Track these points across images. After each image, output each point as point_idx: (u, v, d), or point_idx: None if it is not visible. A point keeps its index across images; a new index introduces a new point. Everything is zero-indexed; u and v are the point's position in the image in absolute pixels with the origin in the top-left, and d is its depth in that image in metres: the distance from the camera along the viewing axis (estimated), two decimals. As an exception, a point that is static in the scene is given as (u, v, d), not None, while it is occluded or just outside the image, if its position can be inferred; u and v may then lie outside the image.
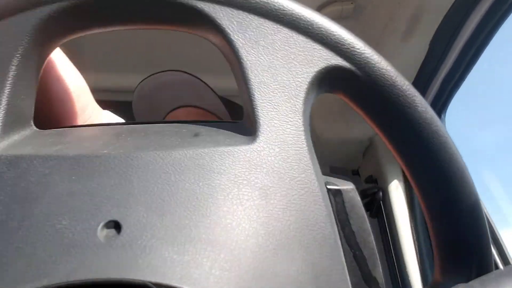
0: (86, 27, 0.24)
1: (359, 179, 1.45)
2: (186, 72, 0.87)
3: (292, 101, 0.22)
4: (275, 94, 0.22)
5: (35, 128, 0.24)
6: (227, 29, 0.22)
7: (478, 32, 0.84)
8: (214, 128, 0.23)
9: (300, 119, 0.22)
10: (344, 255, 0.22)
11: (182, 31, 0.25)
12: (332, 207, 0.23)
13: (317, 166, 0.22)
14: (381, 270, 0.24)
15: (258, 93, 0.22)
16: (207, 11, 0.22)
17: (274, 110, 0.21)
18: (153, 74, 0.87)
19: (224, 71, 0.25)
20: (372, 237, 0.24)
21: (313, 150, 0.22)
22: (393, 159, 0.26)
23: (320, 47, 0.23)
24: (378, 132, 0.25)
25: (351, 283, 0.22)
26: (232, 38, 0.22)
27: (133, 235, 0.17)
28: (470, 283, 0.22)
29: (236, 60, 0.22)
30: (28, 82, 0.23)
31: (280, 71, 0.22)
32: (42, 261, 0.16)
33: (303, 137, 0.21)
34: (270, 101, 0.22)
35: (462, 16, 0.83)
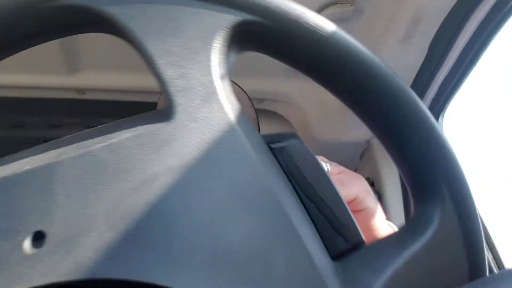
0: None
1: (356, 181, 1.45)
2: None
3: (203, 71, 0.21)
4: (185, 69, 0.21)
5: None
6: (121, 21, 0.22)
7: (477, 35, 0.84)
8: (137, 119, 0.22)
9: (215, 87, 0.21)
10: (308, 209, 0.22)
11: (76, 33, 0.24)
12: (281, 165, 0.22)
13: (251, 130, 0.22)
14: (353, 217, 0.23)
15: (168, 73, 0.21)
16: (97, 9, 0.22)
17: (186, 85, 0.21)
18: None
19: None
20: (333, 185, 0.23)
21: (242, 115, 0.22)
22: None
23: (219, 7, 0.22)
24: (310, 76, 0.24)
25: (323, 236, 0.22)
26: (128, 28, 0.22)
27: (59, 240, 0.17)
28: (464, 286, 0.22)
29: (140, 49, 0.22)
30: None
31: (184, 44, 0.22)
32: None
33: (222, 103, 0.21)
34: (181, 77, 0.21)
35: (461, 20, 0.83)
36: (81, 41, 1.11)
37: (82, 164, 0.19)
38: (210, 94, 0.21)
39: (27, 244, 0.17)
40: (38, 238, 0.17)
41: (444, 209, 0.23)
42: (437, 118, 1.04)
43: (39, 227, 0.18)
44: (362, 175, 1.34)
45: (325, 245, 0.22)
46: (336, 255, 0.22)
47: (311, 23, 0.22)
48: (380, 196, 1.18)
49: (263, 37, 0.23)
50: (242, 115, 0.22)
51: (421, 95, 1.01)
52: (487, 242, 0.95)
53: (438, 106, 1.02)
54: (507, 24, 0.80)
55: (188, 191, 0.19)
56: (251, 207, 0.19)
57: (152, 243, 0.18)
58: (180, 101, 0.21)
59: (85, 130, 0.22)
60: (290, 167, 0.23)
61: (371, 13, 0.97)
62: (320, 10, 0.97)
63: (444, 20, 0.86)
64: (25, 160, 0.20)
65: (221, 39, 0.22)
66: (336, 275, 0.21)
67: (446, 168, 0.23)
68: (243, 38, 0.23)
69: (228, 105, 0.21)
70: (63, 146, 0.21)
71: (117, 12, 0.22)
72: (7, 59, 0.25)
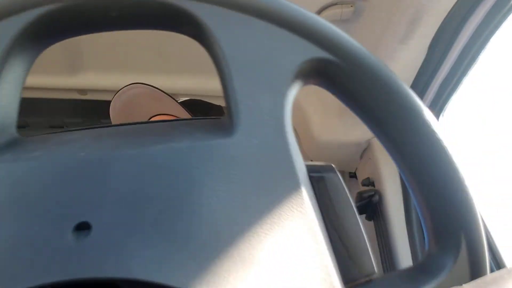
0: (73, 31, 0.24)
1: (356, 182, 1.45)
2: (143, 84, 0.92)
3: (273, 95, 0.22)
4: (256, 88, 0.22)
5: (16, 134, 0.24)
6: (210, 26, 0.22)
7: (476, 36, 0.84)
8: (194, 125, 0.23)
9: (281, 112, 0.22)
10: (331, 236, 0.23)
11: (167, 30, 0.25)
12: (315, 193, 0.24)
13: (299, 157, 0.22)
14: (370, 252, 0.24)
15: (239, 87, 0.22)
16: (190, 9, 0.23)
17: (255, 103, 0.22)
18: (117, 92, 0.93)
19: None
20: (358, 221, 0.25)
21: (295, 142, 0.22)
22: (391, 162, 0.26)
23: (302, 40, 0.23)
24: (367, 124, 0.25)
25: (339, 262, 0.22)
26: (215, 34, 0.22)
27: (104, 235, 0.17)
28: (464, 286, 0.22)
29: (219, 55, 0.23)
30: (11, 86, 0.23)
31: (262, 65, 0.22)
32: (14, 266, 0.16)
33: (285, 129, 0.22)
34: (251, 95, 0.22)
35: (460, 21, 0.84)
36: (83, 42, 1.12)
37: (137, 162, 0.19)
38: (276, 119, 0.22)
39: (70, 233, 0.17)
40: (83, 228, 0.17)
41: (459, 256, 0.23)
42: (437, 117, 1.04)
43: (86, 218, 0.17)
44: (362, 175, 1.35)
45: (340, 271, 0.22)
46: (348, 282, 0.23)
47: (379, 71, 0.23)
48: (380, 196, 1.18)
49: (330, 75, 0.24)
50: (296, 145, 0.23)
51: (421, 95, 1.01)
52: (487, 243, 0.95)
53: (438, 106, 1.02)
54: (505, 24, 0.80)
55: (232, 206, 0.19)
56: (285, 227, 0.20)
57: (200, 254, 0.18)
58: (245, 119, 0.21)
59: (142, 123, 0.23)
60: (323, 196, 0.24)
61: (371, 14, 0.97)
62: (320, 11, 0.98)
63: (444, 20, 0.86)
64: (80, 144, 0.20)
65: (296, 71, 0.23)
66: None
67: (466, 215, 0.24)
68: (313, 73, 0.24)
69: (288, 133, 0.22)
70: (122, 137, 0.21)
71: (214, 24, 0.23)
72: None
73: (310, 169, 0.24)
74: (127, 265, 0.16)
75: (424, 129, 0.24)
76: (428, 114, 0.24)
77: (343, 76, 0.24)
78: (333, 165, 0.26)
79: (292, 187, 0.21)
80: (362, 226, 0.25)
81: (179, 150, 0.20)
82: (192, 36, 0.24)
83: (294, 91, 0.24)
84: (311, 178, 0.24)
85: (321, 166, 0.25)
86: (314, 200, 0.23)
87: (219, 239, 0.18)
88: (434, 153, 0.24)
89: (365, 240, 0.24)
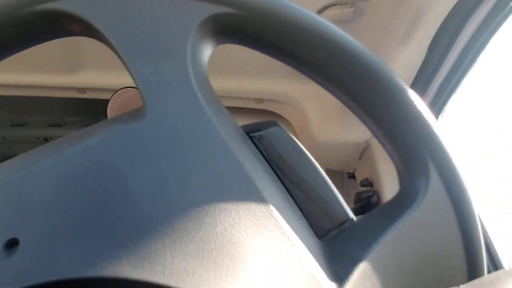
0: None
1: (355, 182, 1.45)
2: (133, 88, 0.96)
3: (175, 64, 0.21)
4: (157, 63, 0.21)
5: None
6: (93, 20, 0.21)
7: (476, 36, 0.84)
8: (113, 120, 0.22)
9: (188, 80, 0.21)
10: (291, 192, 0.22)
11: (61, 37, 0.24)
12: (262, 153, 0.23)
13: (227, 120, 0.21)
14: (338, 196, 0.23)
15: (140, 68, 0.21)
16: (69, 10, 0.22)
17: (158, 79, 0.21)
18: (112, 95, 0.96)
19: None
20: (316, 167, 0.24)
21: (218, 107, 0.21)
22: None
23: (194, 1, 0.22)
24: (298, 69, 0.24)
25: (308, 217, 0.22)
26: (100, 27, 0.21)
27: (31, 246, 0.17)
28: (461, 286, 0.22)
29: (113, 46, 0.21)
30: None
31: (156, 39, 0.21)
32: None
33: (197, 96, 0.20)
34: (153, 72, 0.21)
35: (460, 21, 0.84)
36: (82, 40, 1.12)
37: (53, 171, 0.19)
38: (185, 88, 0.20)
39: (2, 250, 0.17)
40: (12, 245, 0.17)
41: (430, 182, 0.23)
42: (437, 117, 1.04)
43: (13, 234, 0.17)
44: (361, 175, 1.35)
45: (311, 225, 0.22)
46: (323, 234, 0.22)
47: (286, 13, 0.22)
48: (378, 197, 1.18)
49: (238, 29, 0.23)
50: (218, 107, 0.21)
51: (421, 96, 1.01)
52: (485, 243, 0.95)
53: (438, 106, 1.02)
54: (504, 25, 0.80)
55: (161, 186, 0.18)
56: (229, 195, 0.19)
57: (128, 240, 0.17)
58: (153, 98, 0.20)
59: (66, 135, 0.22)
60: (270, 153, 0.23)
61: (371, 15, 0.97)
62: (320, 11, 0.98)
63: (444, 21, 0.86)
64: (4, 170, 0.20)
65: (195, 33, 0.22)
66: (323, 254, 0.20)
67: (430, 142, 0.23)
68: (218, 31, 0.23)
69: (202, 98, 0.21)
70: (43, 152, 0.20)
71: (91, 15, 0.21)
72: (8, 58, 0.25)
73: (250, 130, 0.23)
74: (54, 267, 0.16)
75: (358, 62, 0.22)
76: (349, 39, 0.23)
77: (252, 27, 0.22)
78: (276, 120, 0.25)
79: (221, 151, 0.19)
80: (323, 173, 0.23)
81: (89, 147, 0.19)
82: (87, 35, 0.23)
83: (203, 55, 0.22)
84: (252, 139, 0.23)
85: (261, 123, 0.24)
86: (257, 159, 0.22)
87: (151, 223, 0.17)
88: (382, 87, 0.23)
89: (330, 187, 0.23)
